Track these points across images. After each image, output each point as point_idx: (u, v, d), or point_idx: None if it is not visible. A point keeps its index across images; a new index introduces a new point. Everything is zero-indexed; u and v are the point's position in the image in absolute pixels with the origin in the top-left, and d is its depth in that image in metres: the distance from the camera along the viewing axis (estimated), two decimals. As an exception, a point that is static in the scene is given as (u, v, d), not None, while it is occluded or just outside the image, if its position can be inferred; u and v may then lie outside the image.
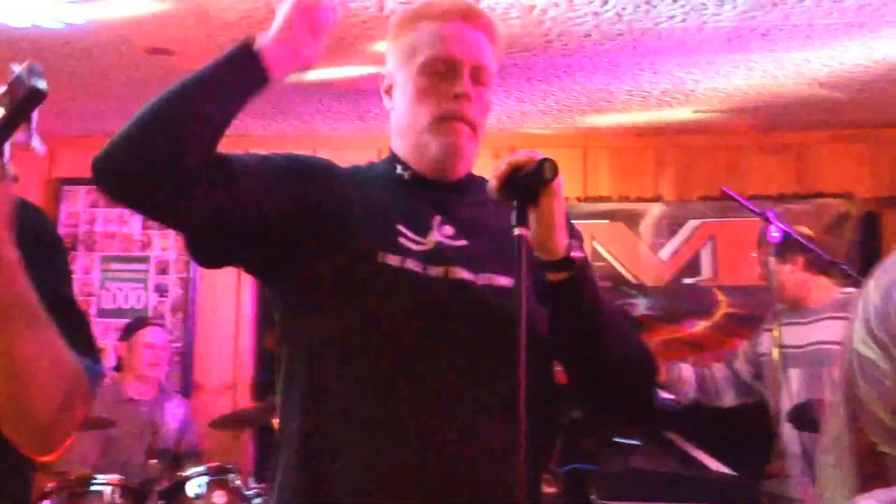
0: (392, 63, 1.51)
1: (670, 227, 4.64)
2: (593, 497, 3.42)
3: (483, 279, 1.42)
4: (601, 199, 4.68)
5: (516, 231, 1.24)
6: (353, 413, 1.36)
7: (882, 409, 1.31)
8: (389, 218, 1.43)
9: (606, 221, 4.65)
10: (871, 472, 1.34)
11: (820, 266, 3.30)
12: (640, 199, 4.68)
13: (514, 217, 1.26)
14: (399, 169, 1.50)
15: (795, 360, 3.17)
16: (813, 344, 3.20)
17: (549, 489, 3.59)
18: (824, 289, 3.30)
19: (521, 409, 1.16)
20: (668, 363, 3.76)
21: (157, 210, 1.34)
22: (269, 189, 1.38)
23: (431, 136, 1.43)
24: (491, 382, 1.35)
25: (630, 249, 4.65)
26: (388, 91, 1.52)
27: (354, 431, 1.35)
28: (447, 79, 1.43)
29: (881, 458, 1.33)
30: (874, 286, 1.45)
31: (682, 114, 4.38)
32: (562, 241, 1.33)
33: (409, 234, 1.42)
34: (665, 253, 4.64)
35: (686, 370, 3.66)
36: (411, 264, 1.39)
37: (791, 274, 3.26)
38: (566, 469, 3.57)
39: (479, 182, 1.43)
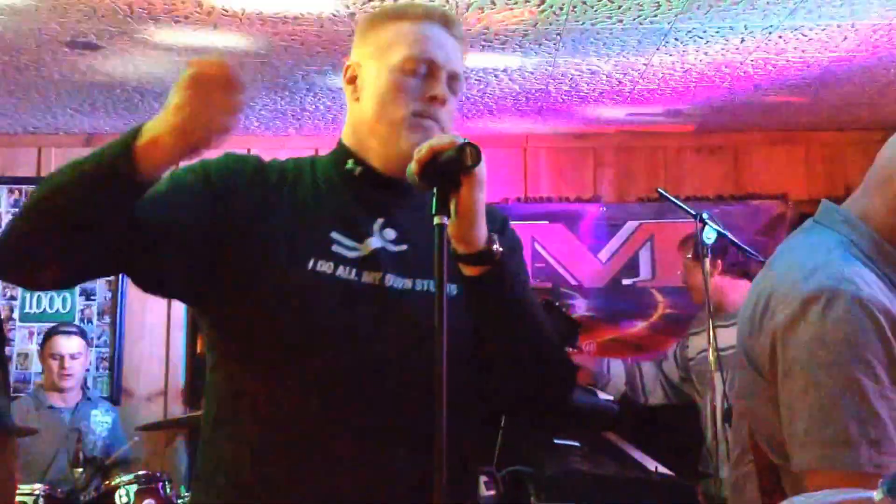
0: (361, 55, 1.46)
1: (609, 228, 4.66)
2: (533, 499, 3.40)
3: (421, 286, 1.39)
4: (541, 200, 4.68)
5: (436, 220, 1.19)
6: (283, 422, 1.33)
7: (774, 426, 1.31)
8: (323, 224, 1.39)
9: (546, 222, 4.65)
10: (767, 487, 1.34)
11: (741, 270, 3.35)
12: (579, 200, 4.69)
13: (433, 205, 1.21)
14: (350, 164, 1.46)
15: (723, 362, 3.20)
16: (732, 347, 3.21)
17: (489, 492, 3.57)
18: (743, 292, 3.31)
19: (442, 399, 1.11)
20: (596, 357, 3.83)
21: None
22: (187, 226, 1.32)
23: (405, 131, 1.39)
24: (419, 391, 1.29)
25: (569, 250, 4.65)
26: (352, 81, 1.47)
27: (283, 443, 1.32)
28: (425, 80, 1.40)
29: (776, 472, 1.33)
30: (747, 297, 1.44)
31: (620, 115, 4.39)
32: (482, 232, 1.28)
33: (344, 240, 1.38)
34: (604, 254, 4.65)
35: (615, 364, 3.74)
36: (344, 271, 1.35)
37: (710, 278, 3.28)
38: (506, 471, 3.55)
39: None
